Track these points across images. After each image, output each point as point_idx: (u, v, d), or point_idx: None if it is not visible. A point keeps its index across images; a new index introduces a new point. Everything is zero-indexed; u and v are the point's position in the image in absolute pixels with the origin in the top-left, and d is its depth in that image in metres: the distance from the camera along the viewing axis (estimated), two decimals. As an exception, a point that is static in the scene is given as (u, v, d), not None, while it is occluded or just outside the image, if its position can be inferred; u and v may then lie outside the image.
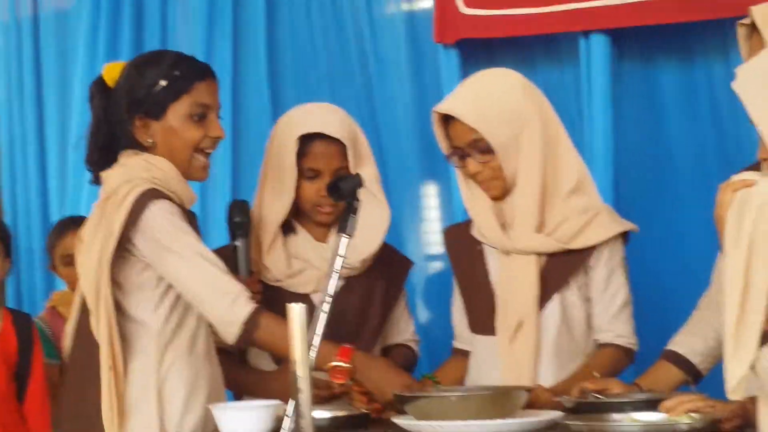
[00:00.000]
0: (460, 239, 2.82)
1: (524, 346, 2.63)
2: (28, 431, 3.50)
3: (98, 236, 2.46)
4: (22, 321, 3.57)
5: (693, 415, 2.10)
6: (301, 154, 2.78)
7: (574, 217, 2.67)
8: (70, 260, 3.60)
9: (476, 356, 2.76)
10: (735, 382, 1.90)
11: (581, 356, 2.69)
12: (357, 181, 2.27)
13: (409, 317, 3.00)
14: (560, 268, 2.66)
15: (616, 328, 2.69)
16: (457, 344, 2.85)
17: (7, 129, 4.51)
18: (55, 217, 4.22)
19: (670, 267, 3.43)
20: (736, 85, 2.03)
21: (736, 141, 3.31)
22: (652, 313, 3.28)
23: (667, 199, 3.50)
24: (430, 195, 3.96)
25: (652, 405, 2.22)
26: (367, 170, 2.79)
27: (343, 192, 2.28)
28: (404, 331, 2.95)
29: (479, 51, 3.70)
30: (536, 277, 2.64)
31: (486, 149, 2.65)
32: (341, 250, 2.20)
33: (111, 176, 2.56)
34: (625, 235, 2.74)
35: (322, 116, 2.85)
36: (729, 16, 3.17)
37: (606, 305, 2.69)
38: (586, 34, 3.53)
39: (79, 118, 4.07)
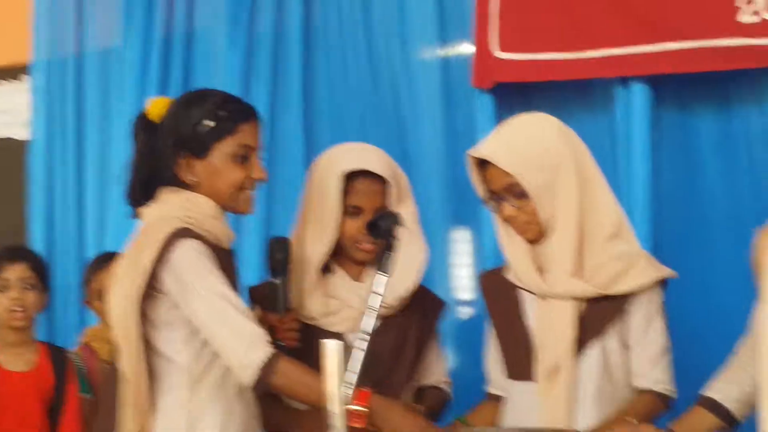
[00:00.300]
0: (496, 284, 2.79)
1: (561, 391, 2.60)
2: None
3: (129, 271, 2.47)
4: (58, 355, 3.60)
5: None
6: (344, 192, 2.77)
7: (611, 263, 2.64)
8: (104, 295, 3.63)
9: (513, 402, 2.72)
10: None
11: (622, 403, 2.65)
12: (395, 219, 2.28)
13: (441, 359, 2.97)
14: (599, 314, 2.63)
15: (655, 374, 2.65)
16: (492, 390, 2.81)
17: (46, 163, 4.56)
18: (92, 253, 4.23)
19: (706, 316, 3.38)
20: None
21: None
22: (688, 361, 3.27)
23: (704, 248, 3.46)
24: (460, 240, 3.93)
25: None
26: (407, 209, 2.79)
27: (382, 230, 2.28)
28: (437, 372, 2.92)
29: (514, 96, 3.69)
30: (573, 321, 2.61)
31: (521, 194, 2.63)
32: (378, 288, 2.19)
33: (149, 213, 2.57)
34: (663, 282, 2.71)
35: (364, 154, 2.85)
36: (766, 66, 3.23)
37: (644, 351, 2.65)
38: (624, 80, 3.53)
39: (120, 154, 4.08)
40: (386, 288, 2.59)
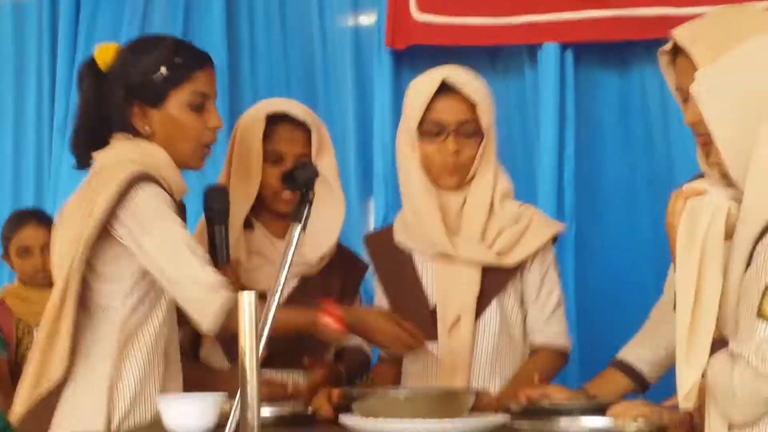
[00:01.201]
0: (386, 246, 2.78)
1: (461, 345, 2.62)
2: None
3: (79, 214, 2.40)
4: None
5: (640, 420, 2.09)
6: (265, 138, 2.74)
7: (510, 227, 2.67)
8: (24, 252, 3.58)
9: (410, 365, 2.72)
10: (687, 389, 1.89)
11: (519, 359, 2.70)
12: (313, 171, 2.24)
13: None
14: (498, 275, 2.66)
15: (551, 329, 2.70)
16: (384, 353, 2.80)
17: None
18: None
19: (611, 276, 3.43)
20: (695, 89, 2.02)
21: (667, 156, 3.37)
22: (597, 324, 3.31)
23: (602, 208, 3.54)
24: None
25: (599, 411, 2.21)
26: (327, 161, 2.76)
27: (299, 181, 2.24)
28: None
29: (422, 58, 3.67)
30: (477, 281, 2.63)
31: (472, 132, 2.64)
32: (293, 239, 2.15)
33: (101, 157, 2.50)
34: (554, 238, 2.75)
35: (286, 102, 2.86)
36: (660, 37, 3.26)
37: (540, 308, 2.70)
38: (534, 47, 3.55)
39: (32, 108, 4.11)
40: (306, 246, 2.61)
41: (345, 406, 2.37)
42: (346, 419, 2.27)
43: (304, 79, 3.96)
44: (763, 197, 1.89)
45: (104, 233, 2.41)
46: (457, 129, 2.63)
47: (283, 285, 2.12)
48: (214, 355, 2.80)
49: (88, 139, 2.54)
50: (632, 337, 2.60)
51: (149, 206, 2.40)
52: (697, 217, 1.93)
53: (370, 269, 2.87)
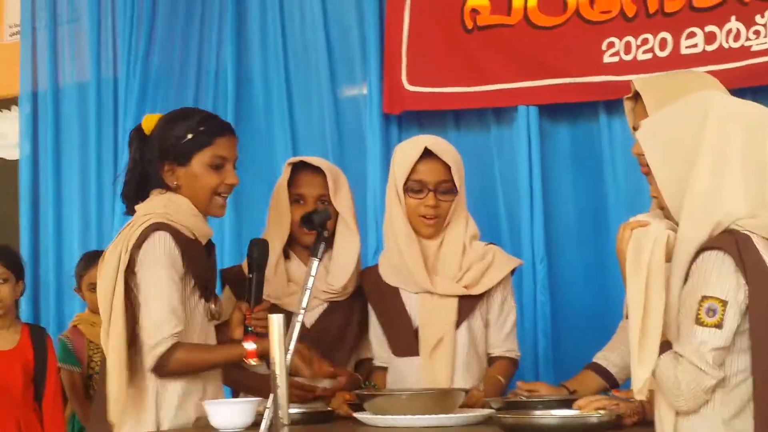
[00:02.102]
0: (376, 280, 2.76)
1: (443, 360, 2.62)
2: (44, 427, 3.45)
3: (115, 253, 2.43)
4: (36, 333, 3.55)
5: (600, 411, 2.09)
6: (290, 184, 2.78)
7: (477, 263, 2.67)
8: (94, 287, 3.57)
9: (396, 375, 2.70)
10: (640, 384, 1.90)
11: (482, 368, 2.70)
12: (326, 214, 2.25)
13: None
14: (468, 302, 2.66)
15: (507, 344, 2.72)
16: (377, 363, 2.78)
17: (32, 178, 4.47)
18: (71, 252, 4.24)
19: (579, 297, 3.42)
20: (639, 135, 2.05)
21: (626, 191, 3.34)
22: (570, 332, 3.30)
23: (575, 240, 3.50)
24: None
25: (568, 404, 2.21)
26: (342, 200, 2.77)
27: (315, 222, 2.24)
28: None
29: (414, 120, 3.71)
30: (454, 310, 2.63)
31: (448, 190, 2.65)
32: (312, 270, 2.16)
33: (138, 208, 2.53)
34: (512, 270, 2.76)
35: (306, 156, 2.90)
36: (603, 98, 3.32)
37: (500, 327, 2.71)
38: (501, 109, 3.55)
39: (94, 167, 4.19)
40: (331, 276, 2.70)
41: (358, 406, 2.38)
42: (360, 416, 2.28)
43: (309, 138, 3.92)
44: (694, 228, 1.91)
45: (131, 269, 2.43)
46: (436, 188, 2.64)
47: (306, 308, 2.14)
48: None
49: (133, 192, 2.57)
50: (603, 347, 2.60)
51: (153, 251, 2.42)
52: (641, 244, 1.94)
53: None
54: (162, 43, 4.17)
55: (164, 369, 2.39)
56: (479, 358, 2.68)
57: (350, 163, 3.73)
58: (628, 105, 2.42)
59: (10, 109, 4.76)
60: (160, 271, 2.41)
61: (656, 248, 1.93)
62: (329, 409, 2.48)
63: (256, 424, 2.17)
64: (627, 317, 2.42)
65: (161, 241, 2.42)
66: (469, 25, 3.56)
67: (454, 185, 2.65)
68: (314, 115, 3.91)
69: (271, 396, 1.93)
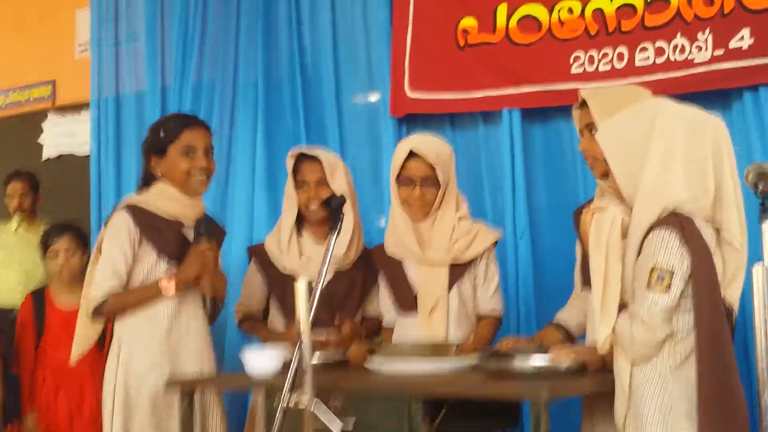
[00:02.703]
0: (383, 254, 2.77)
1: (439, 318, 2.62)
2: None
3: None
4: None
5: (568, 359, 2.10)
6: (295, 172, 2.78)
7: (462, 238, 2.67)
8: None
9: (401, 331, 2.70)
10: (603, 340, 1.92)
11: (471, 323, 2.69)
12: (342, 199, 2.24)
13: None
14: (457, 269, 2.66)
15: (492, 304, 2.71)
16: (385, 324, 2.79)
17: (97, 171, 4.46)
18: None
19: (553, 264, 3.39)
20: (599, 134, 2.05)
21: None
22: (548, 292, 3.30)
23: (549, 223, 3.46)
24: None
25: (542, 353, 2.20)
26: (338, 183, 2.75)
27: (332, 206, 2.24)
28: (377, 307, 2.84)
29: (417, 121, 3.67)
30: (446, 277, 2.63)
31: (433, 183, 2.63)
32: (330, 245, 2.16)
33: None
34: (494, 242, 2.75)
35: (308, 146, 2.95)
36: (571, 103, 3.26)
37: (487, 289, 2.70)
38: (489, 112, 3.53)
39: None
40: (336, 247, 2.58)
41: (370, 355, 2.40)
42: (372, 363, 2.29)
43: (328, 138, 3.86)
44: (646, 210, 1.93)
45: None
46: (421, 182, 2.64)
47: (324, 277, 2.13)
48: (275, 321, 2.80)
49: (141, 186, 2.69)
50: (561, 307, 2.61)
51: (111, 227, 2.59)
52: (601, 226, 1.97)
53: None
54: (206, 58, 4.15)
55: (98, 313, 2.58)
56: (468, 317, 2.68)
57: (367, 159, 3.73)
58: (576, 112, 2.43)
59: (80, 114, 4.78)
60: (112, 242, 2.55)
61: (613, 229, 1.95)
62: (345, 357, 2.48)
63: (284, 368, 2.19)
64: (580, 286, 2.47)
65: (119, 219, 2.56)
66: (461, 42, 3.55)
67: (438, 179, 2.63)
68: (331, 119, 3.87)
69: (297, 345, 1.95)
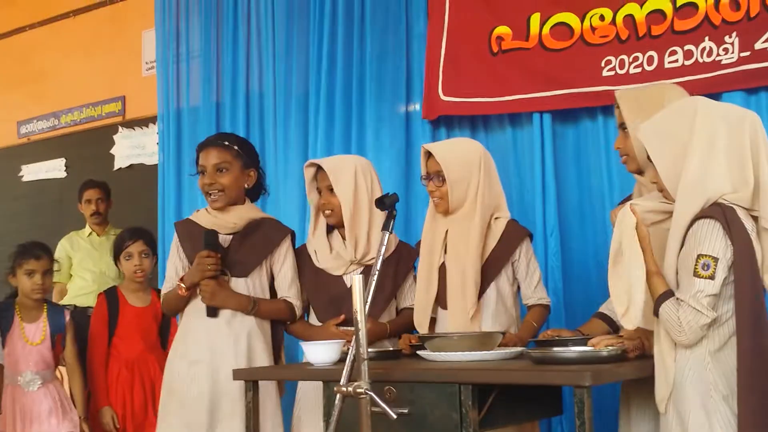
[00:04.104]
0: (414, 253, 2.75)
1: (472, 315, 2.53)
2: None
3: None
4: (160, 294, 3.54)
5: (610, 347, 2.04)
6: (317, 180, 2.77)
7: (497, 234, 2.59)
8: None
9: (445, 323, 2.60)
10: (620, 314, 1.95)
11: (511, 317, 2.61)
12: (395, 197, 2.20)
13: (413, 290, 2.76)
14: (495, 265, 2.58)
15: (538, 294, 2.63)
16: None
17: (164, 179, 4.47)
18: None
19: (584, 259, 3.33)
20: (641, 130, 2.00)
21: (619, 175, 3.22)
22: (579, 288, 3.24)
23: (584, 219, 3.39)
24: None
25: (584, 343, 2.16)
26: (344, 190, 2.69)
27: (386, 204, 2.20)
28: (409, 299, 2.77)
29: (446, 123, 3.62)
30: (476, 273, 2.53)
31: (442, 178, 2.57)
32: (384, 240, 2.12)
33: None
34: (530, 236, 2.67)
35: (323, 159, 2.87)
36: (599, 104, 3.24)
37: (530, 282, 2.62)
38: (520, 114, 3.46)
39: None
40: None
41: (419, 346, 2.36)
42: (422, 353, 2.25)
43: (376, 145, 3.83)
44: (690, 203, 1.88)
45: None
46: (433, 177, 2.59)
47: (365, 273, 2.11)
48: (312, 319, 2.77)
49: None
50: (588, 300, 2.55)
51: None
52: (620, 221, 1.98)
53: None
54: (254, 73, 4.16)
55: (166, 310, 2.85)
56: (508, 311, 2.60)
57: (405, 161, 3.69)
58: (616, 112, 2.37)
59: (148, 126, 4.83)
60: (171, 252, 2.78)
61: (625, 224, 1.95)
62: (397, 348, 2.46)
63: (341, 360, 2.17)
64: None
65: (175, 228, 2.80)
66: (495, 48, 3.49)
67: (445, 176, 2.55)
68: (374, 126, 3.83)
69: (354, 337, 1.92)
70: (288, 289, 2.72)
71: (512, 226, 2.63)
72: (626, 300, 1.91)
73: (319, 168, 2.74)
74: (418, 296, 2.64)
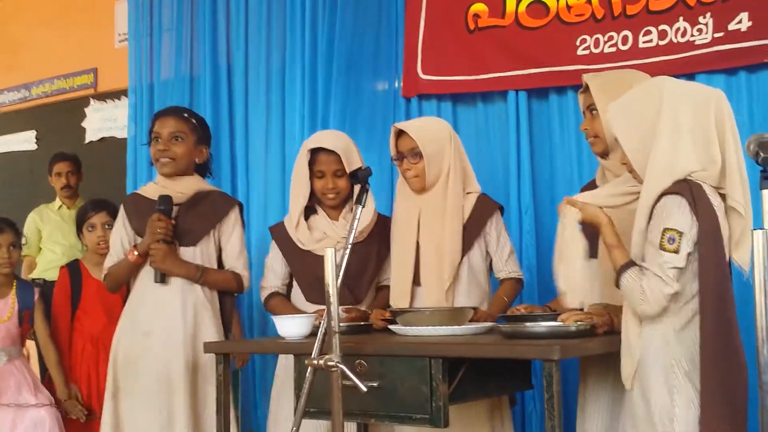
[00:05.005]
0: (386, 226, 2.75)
1: (447, 289, 2.55)
2: None
3: None
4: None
5: (578, 322, 2.06)
6: (311, 163, 2.70)
7: (468, 205, 2.60)
8: None
9: (418, 299, 2.61)
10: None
11: (484, 291, 2.63)
12: (368, 171, 2.19)
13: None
14: (466, 239, 2.59)
15: (509, 267, 2.64)
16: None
17: (134, 152, 4.39)
18: None
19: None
20: (609, 113, 2.01)
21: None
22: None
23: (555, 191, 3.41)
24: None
25: (553, 318, 2.17)
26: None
27: (359, 177, 2.19)
28: (389, 273, 2.76)
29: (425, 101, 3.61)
30: (451, 248, 2.55)
31: (417, 155, 2.57)
32: (357, 214, 2.12)
33: None
34: (501, 209, 2.69)
35: (323, 136, 2.80)
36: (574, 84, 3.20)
37: (500, 255, 2.63)
38: (497, 92, 3.46)
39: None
40: (340, 223, 2.61)
41: (391, 321, 2.36)
42: (393, 327, 2.26)
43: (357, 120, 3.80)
44: (657, 182, 1.89)
45: None
46: (407, 155, 2.59)
47: (345, 247, 2.09)
48: (298, 298, 2.74)
49: None
50: None
51: None
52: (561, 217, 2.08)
53: None
54: (231, 47, 4.10)
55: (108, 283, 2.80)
56: (480, 286, 2.62)
57: (384, 139, 3.65)
58: (580, 96, 2.39)
59: (120, 99, 4.76)
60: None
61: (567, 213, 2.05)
62: (368, 323, 2.46)
63: (313, 333, 2.17)
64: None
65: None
66: (471, 26, 3.48)
67: (421, 152, 2.56)
68: (354, 103, 3.80)
69: (325, 311, 1.92)
70: (236, 259, 2.74)
71: (483, 200, 2.64)
72: (570, 283, 1.96)
73: (316, 150, 2.67)
74: (395, 276, 2.64)
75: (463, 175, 2.64)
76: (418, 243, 2.59)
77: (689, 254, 1.83)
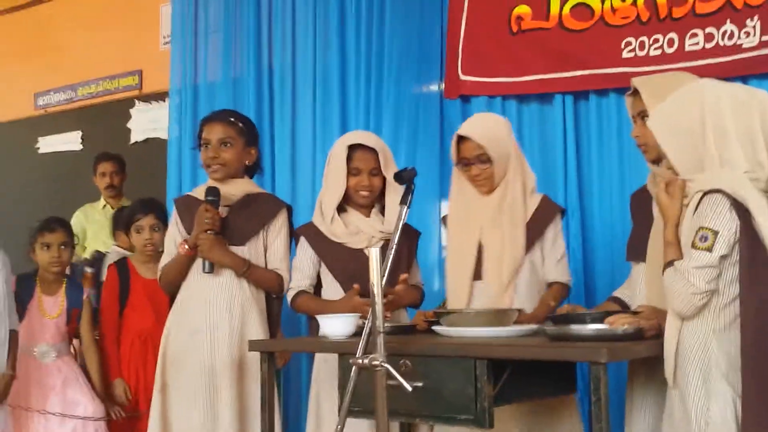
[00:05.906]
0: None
1: (507, 288, 2.53)
2: None
3: None
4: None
5: (626, 325, 2.03)
6: (349, 159, 2.68)
7: (531, 209, 2.59)
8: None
9: (476, 296, 2.59)
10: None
11: (544, 290, 2.61)
12: (413, 171, 2.19)
13: (417, 268, 2.81)
14: (529, 239, 2.57)
15: (559, 270, 2.61)
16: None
17: (177, 153, 4.44)
18: None
19: (603, 240, 3.33)
20: (650, 122, 1.99)
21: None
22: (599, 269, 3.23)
23: (605, 193, 3.38)
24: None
25: (600, 320, 2.13)
26: (392, 171, 2.63)
27: (404, 178, 2.18)
28: (414, 277, 2.77)
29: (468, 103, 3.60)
30: (513, 246, 2.54)
31: (486, 160, 2.56)
32: (404, 214, 2.11)
33: None
34: (562, 213, 2.66)
35: (360, 134, 2.80)
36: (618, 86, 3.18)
37: (552, 258, 2.60)
38: (542, 94, 3.43)
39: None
40: (386, 224, 2.59)
41: (435, 322, 2.35)
42: (437, 329, 2.25)
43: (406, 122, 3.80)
44: (702, 186, 1.86)
45: None
46: (475, 161, 2.56)
47: (386, 246, 2.09)
48: (329, 293, 2.69)
49: None
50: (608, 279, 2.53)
51: None
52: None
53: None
54: (275, 49, 4.13)
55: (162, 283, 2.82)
56: (539, 285, 2.59)
57: (427, 139, 3.67)
58: (628, 100, 2.34)
59: (165, 101, 4.81)
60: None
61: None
62: (412, 324, 2.45)
63: (357, 333, 2.17)
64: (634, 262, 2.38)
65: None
66: (515, 28, 3.48)
67: (490, 156, 2.54)
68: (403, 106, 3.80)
69: (370, 311, 1.92)
70: (280, 261, 2.77)
71: (546, 202, 2.62)
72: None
73: (354, 147, 2.66)
74: (451, 273, 2.62)
75: (521, 169, 2.62)
76: (479, 241, 2.57)
77: (726, 256, 1.80)
